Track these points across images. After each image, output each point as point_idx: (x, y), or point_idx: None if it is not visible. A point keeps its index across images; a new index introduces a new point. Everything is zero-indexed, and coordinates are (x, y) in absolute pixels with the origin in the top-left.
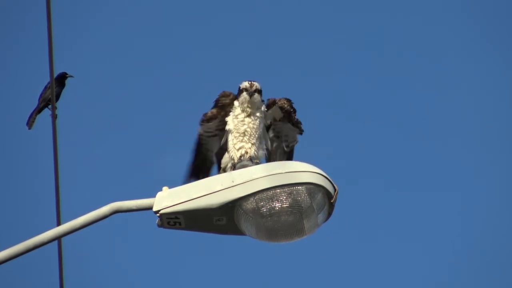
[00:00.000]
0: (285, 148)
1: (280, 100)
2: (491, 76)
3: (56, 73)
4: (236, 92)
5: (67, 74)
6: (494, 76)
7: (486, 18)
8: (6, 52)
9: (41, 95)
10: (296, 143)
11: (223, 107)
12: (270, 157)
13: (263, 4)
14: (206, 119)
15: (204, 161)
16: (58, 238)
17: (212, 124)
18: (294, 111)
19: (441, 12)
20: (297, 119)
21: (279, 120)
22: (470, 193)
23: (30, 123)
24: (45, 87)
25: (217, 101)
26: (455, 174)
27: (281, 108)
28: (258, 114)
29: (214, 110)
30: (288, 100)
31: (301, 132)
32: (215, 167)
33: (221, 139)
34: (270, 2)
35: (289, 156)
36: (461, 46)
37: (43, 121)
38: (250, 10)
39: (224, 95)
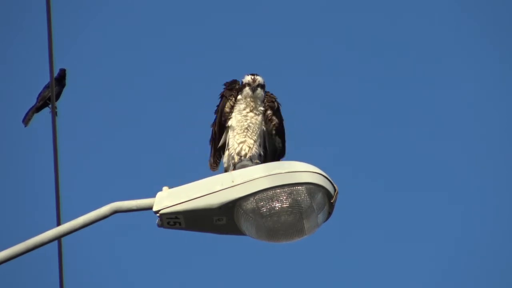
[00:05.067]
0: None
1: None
2: (491, 76)
3: (56, 69)
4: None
5: (65, 70)
6: (494, 76)
7: (486, 18)
8: (6, 52)
9: (40, 94)
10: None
11: (237, 94)
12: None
13: (263, 4)
14: (226, 114)
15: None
16: (58, 238)
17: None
18: (271, 108)
19: (441, 12)
20: (270, 118)
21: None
22: (470, 193)
23: (26, 120)
24: (45, 86)
25: (231, 94)
26: (456, 174)
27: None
28: (260, 109)
29: (231, 103)
30: (270, 96)
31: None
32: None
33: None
34: (270, 2)
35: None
36: (461, 46)
37: (43, 120)
38: (250, 10)
39: (230, 83)
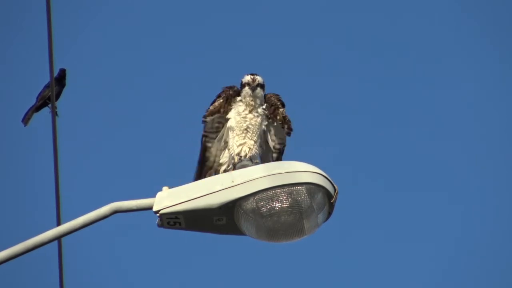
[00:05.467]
0: (273, 150)
1: (267, 94)
2: (491, 76)
3: (56, 69)
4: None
5: (65, 70)
6: (494, 76)
7: (486, 18)
8: (6, 52)
9: (40, 93)
10: (284, 146)
11: (226, 100)
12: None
13: (263, 4)
14: (209, 113)
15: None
16: (58, 238)
17: (215, 118)
18: (282, 105)
19: (441, 12)
20: (284, 116)
21: (269, 119)
22: (470, 193)
23: (26, 120)
24: (45, 86)
25: (220, 94)
26: (456, 174)
27: (268, 102)
28: (260, 110)
29: (217, 103)
30: (275, 95)
31: (289, 131)
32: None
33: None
34: (270, 2)
35: (277, 159)
36: (461, 46)
37: (43, 120)
38: (250, 10)
39: (227, 87)
